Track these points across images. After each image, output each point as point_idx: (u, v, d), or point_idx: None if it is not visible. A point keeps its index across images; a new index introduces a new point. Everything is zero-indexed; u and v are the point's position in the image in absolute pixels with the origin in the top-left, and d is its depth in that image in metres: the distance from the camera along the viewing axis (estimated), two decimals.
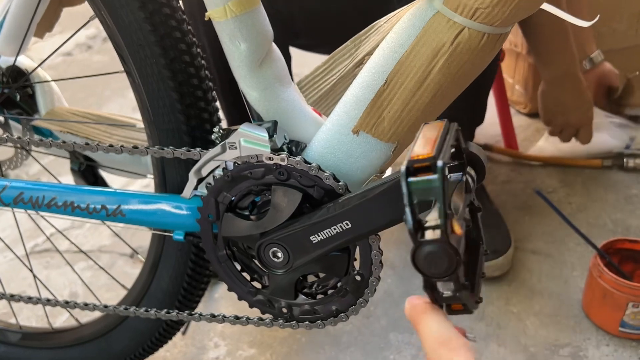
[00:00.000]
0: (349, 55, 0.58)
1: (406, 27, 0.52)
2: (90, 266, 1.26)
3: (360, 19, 0.70)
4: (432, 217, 0.38)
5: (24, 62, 0.85)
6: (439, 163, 0.37)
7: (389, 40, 0.54)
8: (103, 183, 0.88)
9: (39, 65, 0.80)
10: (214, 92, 0.68)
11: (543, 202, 1.25)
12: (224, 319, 0.68)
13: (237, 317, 0.67)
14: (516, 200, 1.31)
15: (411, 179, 0.38)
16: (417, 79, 0.52)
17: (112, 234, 1.36)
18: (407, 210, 0.38)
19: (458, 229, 0.39)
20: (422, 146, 0.39)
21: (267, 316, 0.67)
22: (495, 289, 1.09)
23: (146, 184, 1.51)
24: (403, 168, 0.38)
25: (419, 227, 0.38)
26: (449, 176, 0.43)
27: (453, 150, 0.45)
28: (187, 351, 1.02)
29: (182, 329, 1.05)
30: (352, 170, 0.58)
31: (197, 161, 0.63)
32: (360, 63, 0.58)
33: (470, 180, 0.48)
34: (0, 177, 0.84)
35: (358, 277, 0.60)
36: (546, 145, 1.47)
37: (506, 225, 1.15)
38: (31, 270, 0.96)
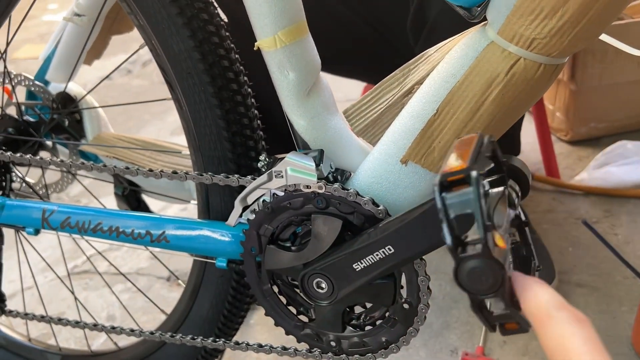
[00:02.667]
0: (397, 84, 0.58)
1: (459, 56, 0.51)
2: (127, 289, 1.27)
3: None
4: (473, 232, 0.36)
5: (73, 88, 0.87)
6: (473, 173, 0.36)
7: (440, 69, 0.53)
8: (145, 208, 0.89)
9: (88, 93, 0.82)
10: (260, 120, 0.68)
11: (588, 232, 1.20)
12: (282, 350, 0.67)
13: (284, 349, 0.66)
14: (559, 230, 1.28)
15: (446, 194, 0.37)
16: (470, 109, 0.51)
17: (150, 256, 1.37)
18: (444, 226, 0.36)
19: (502, 242, 0.37)
20: (455, 159, 0.38)
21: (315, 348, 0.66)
22: None
23: (182, 208, 1.52)
24: (436, 182, 0.37)
25: (459, 243, 0.36)
26: (488, 190, 0.42)
27: (491, 164, 0.43)
28: None
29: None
30: (399, 201, 0.57)
31: (240, 188, 0.63)
32: (409, 92, 0.57)
33: (513, 194, 0.47)
34: (47, 200, 0.86)
35: (406, 305, 0.59)
36: (589, 174, 1.43)
37: (550, 256, 1.12)
38: (73, 293, 0.97)
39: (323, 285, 0.59)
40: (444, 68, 0.53)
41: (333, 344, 0.62)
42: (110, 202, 1.10)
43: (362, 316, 0.62)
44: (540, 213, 1.35)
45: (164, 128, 2.10)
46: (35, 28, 3.39)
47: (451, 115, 0.52)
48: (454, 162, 0.38)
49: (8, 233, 0.92)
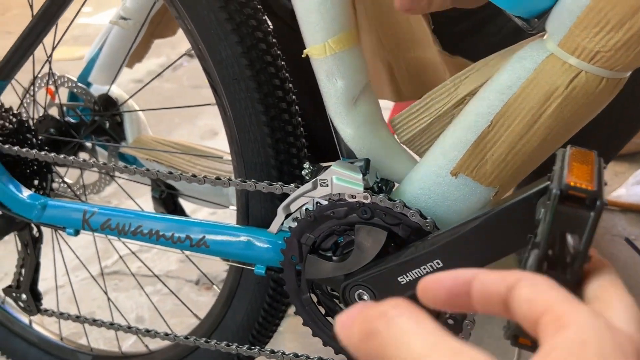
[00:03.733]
0: (447, 94, 0.57)
1: (515, 68, 0.50)
2: (157, 291, 1.27)
3: None
4: (564, 253, 0.34)
5: (114, 90, 0.88)
6: (599, 202, 0.34)
7: (495, 81, 0.52)
8: (182, 211, 0.89)
9: (131, 97, 0.82)
10: (303, 127, 0.68)
11: (625, 249, 1.18)
12: None
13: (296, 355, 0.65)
14: (597, 247, 1.24)
15: (561, 205, 0.34)
16: (526, 122, 0.50)
17: (179, 259, 1.37)
18: (545, 236, 0.34)
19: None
20: (578, 175, 0.36)
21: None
22: None
23: (211, 212, 1.52)
24: (555, 189, 0.35)
25: (546, 258, 0.35)
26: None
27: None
28: None
29: None
30: (448, 214, 0.55)
31: (282, 195, 0.63)
32: (460, 103, 0.56)
33: None
34: (87, 202, 0.86)
35: (451, 321, 0.58)
36: (627, 189, 1.40)
37: None
38: (106, 294, 0.97)
39: (365, 297, 0.58)
40: (499, 79, 0.51)
41: None
42: (143, 203, 1.11)
43: None
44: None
45: (194, 132, 2.11)
46: (69, 30, 3.44)
47: (506, 127, 0.51)
48: (578, 177, 0.36)
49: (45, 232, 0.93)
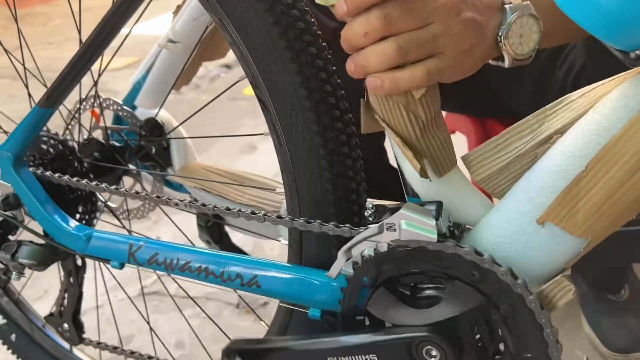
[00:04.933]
0: (530, 131, 0.51)
1: (615, 107, 0.45)
2: (196, 314, 1.24)
3: None
4: None
5: (161, 115, 0.85)
6: None
7: (590, 120, 0.46)
8: (227, 241, 0.85)
9: (181, 124, 0.79)
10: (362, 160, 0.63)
11: None
12: None
13: None
14: None
15: None
16: (628, 168, 0.44)
17: None
18: None
19: None
20: None
21: None
22: None
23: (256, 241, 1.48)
24: None
25: None
26: None
27: None
28: None
29: None
30: (530, 265, 0.50)
31: (344, 238, 0.58)
32: (545, 142, 0.50)
33: None
34: (135, 234, 0.83)
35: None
36: None
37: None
38: (148, 323, 0.94)
39: (434, 353, 0.53)
40: (595, 119, 0.46)
41: None
42: (180, 220, 1.07)
43: None
44: None
45: (233, 146, 2.09)
46: None
47: (603, 173, 0.45)
48: None
49: None
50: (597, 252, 0.54)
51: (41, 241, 0.75)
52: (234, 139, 2.13)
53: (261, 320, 0.91)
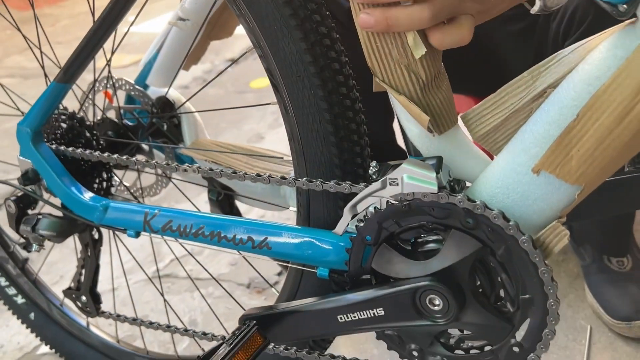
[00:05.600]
0: (525, 87, 0.54)
1: (604, 57, 0.47)
2: (208, 294, 1.27)
3: None
4: None
5: (171, 93, 0.88)
6: None
7: (581, 71, 0.48)
8: (238, 213, 0.88)
9: (189, 100, 0.82)
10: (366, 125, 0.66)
11: None
12: None
13: None
14: None
15: None
16: (617, 114, 0.46)
17: (230, 262, 1.37)
18: None
19: None
20: None
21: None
22: None
23: (261, 214, 1.51)
24: None
25: None
26: None
27: None
28: None
29: None
30: (528, 214, 0.52)
31: (347, 196, 0.61)
32: (540, 96, 0.53)
33: None
34: (147, 204, 0.86)
35: (516, 349, 0.54)
36: None
37: None
38: (162, 295, 0.97)
39: (437, 302, 0.55)
40: (585, 70, 0.48)
41: (415, 354, 0.59)
42: (199, 205, 1.10)
43: (457, 340, 0.58)
44: None
45: (240, 136, 2.12)
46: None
47: (594, 121, 0.47)
48: None
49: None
50: (596, 202, 0.56)
51: (60, 213, 0.78)
52: (241, 131, 2.16)
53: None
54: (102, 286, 1.21)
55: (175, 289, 1.33)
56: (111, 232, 0.94)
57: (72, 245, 0.97)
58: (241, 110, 2.28)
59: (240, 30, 0.73)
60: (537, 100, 0.53)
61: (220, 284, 1.09)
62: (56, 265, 1.44)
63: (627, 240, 1.06)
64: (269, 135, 2.09)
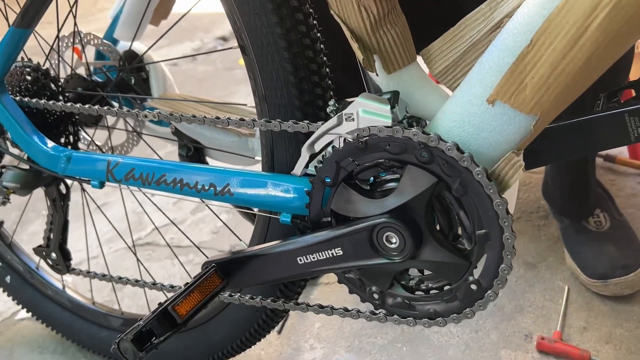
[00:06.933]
0: (483, 19, 0.53)
1: None
2: (189, 261, 1.27)
3: None
4: None
5: (139, 47, 0.86)
6: None
7: None
8: None
9: (150, 47, 0.81)
10: (328, 67, 0.64)
11: None
12: (344, 311, 0.63)
13: (346, 310, 0.62)
14: None
15: None
16: (570, 37, 0.45)
17: (212, 230, 1.37)
18: None
19: None
20: None
21: (354, 307, 0.63)
22: (624, 309, 0.96)
23: None
24: None
25: None
26: None
27: None
28: (283, 351, 0.98)
29: (278, 328, 1.01)
30: (484, 147, 0.51)
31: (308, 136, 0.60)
32: (497, 27, 0.52)
33: None
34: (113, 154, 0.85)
35: (474, 286, 0.54)
36: None
37: (639, 240, 1.02)
38: (135, 254, 0.97)
39: (393, 240, 0.55)
40: None
41: (376, 296, 0.58)
42: None
43: (417, 281, 0.57)
44: (624, 197, 1.24)
45: None
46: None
47: (548, 45, 0.46)
48: None
49: (76, 206, 0.92)
50: (561, 144, 0.55)
51: (25, 166, 0.77)
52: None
53: None
54: (83, 255, 1.21)
55: (156, 256, 1.32)
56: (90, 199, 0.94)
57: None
58: (229, 86, 2.27)
59: None
60: (495, 31, 0.52)
61: (200, 250, 1.09)
62: (34, 228, 1.43)
63: (587, 201, 1.05)
64: None
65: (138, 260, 0.96)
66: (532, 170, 1.40)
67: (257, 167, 0.74)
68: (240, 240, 1.00)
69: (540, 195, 1.22)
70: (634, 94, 0.57)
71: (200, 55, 2.82)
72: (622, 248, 0.99)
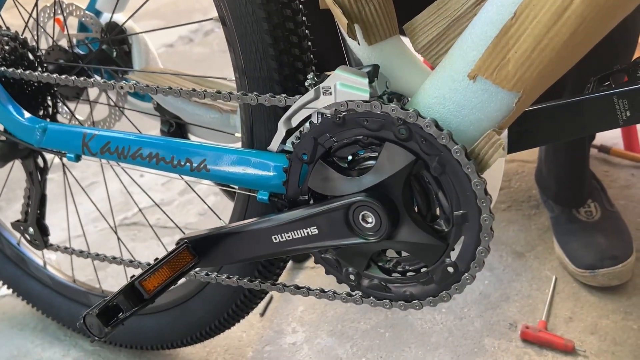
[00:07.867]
0: None
1: None
2: (175, 241, 1.25)
3: None
4: None
5: (121, 19, 0.84)
6: None
7: None
8: None
9: (131, 16, 0.79)
10: (310, 40, 0.62)
11: None
12: (320, 292, 0.62)
13: (297, 287, 0.61)
14: (638, 207, 1.16)
15: None
16: (555, 9, 0.43)
17: (198, 212, 1.35)
18: None
19: None
20: None
21: (330, 288, 0.62)
22: (611, 300, 0.95)
23: None
24: None
25: None
26: None
27: None
28: (264, 333, 0.97)
29: (260, 310, 1.00)
30: (464, 125, 0.49)
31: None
32: (481, 0, 0.49)
33: None
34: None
35: (450, 269, 0.52)
36: None
37: (629, 232, 1.01)
38: (115, 232, 0.95)
39: (369, 219, 0.53)
40: None
41: (352, 277, 0.57)
42: None
43: (394, 262, 0.56)
44: (618, 189, 1.23)
45: None
46: None
47: (532, 18, 0.44)
48: None
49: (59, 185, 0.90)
50: (550, 126, 0.54)
51: (1, 137, 0.76)
52: None
53: None
54: (66, 234, 1.19)
55: (142, 236, 1.31)
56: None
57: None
58: (224, 69, 2.25)
59: None
60: (480, 4, 0.50)
61: (183, 232, 1.08)
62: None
63: (582, 189, 1.03)
64: None
65: (118, 238, 0.94)
66: (525, 159, 1.39)
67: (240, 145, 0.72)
68: (220, 219, 0.99)
69: (532, 185, 1.20)
70: (627, 79, 0.55)
71: (197, 38, 2.79)
72: (612, 239, 0.98)
